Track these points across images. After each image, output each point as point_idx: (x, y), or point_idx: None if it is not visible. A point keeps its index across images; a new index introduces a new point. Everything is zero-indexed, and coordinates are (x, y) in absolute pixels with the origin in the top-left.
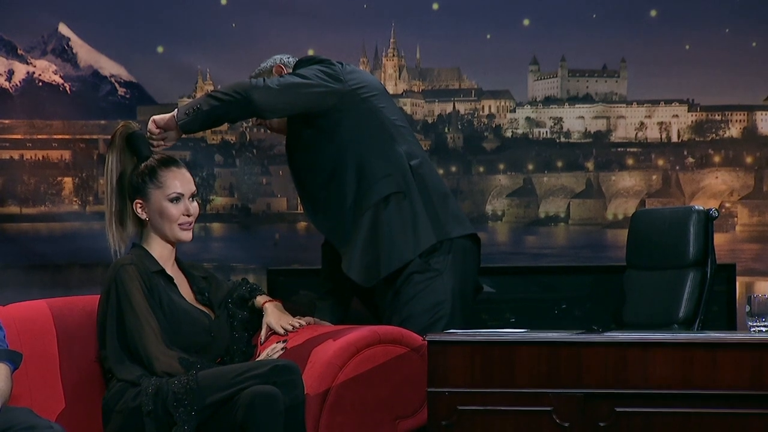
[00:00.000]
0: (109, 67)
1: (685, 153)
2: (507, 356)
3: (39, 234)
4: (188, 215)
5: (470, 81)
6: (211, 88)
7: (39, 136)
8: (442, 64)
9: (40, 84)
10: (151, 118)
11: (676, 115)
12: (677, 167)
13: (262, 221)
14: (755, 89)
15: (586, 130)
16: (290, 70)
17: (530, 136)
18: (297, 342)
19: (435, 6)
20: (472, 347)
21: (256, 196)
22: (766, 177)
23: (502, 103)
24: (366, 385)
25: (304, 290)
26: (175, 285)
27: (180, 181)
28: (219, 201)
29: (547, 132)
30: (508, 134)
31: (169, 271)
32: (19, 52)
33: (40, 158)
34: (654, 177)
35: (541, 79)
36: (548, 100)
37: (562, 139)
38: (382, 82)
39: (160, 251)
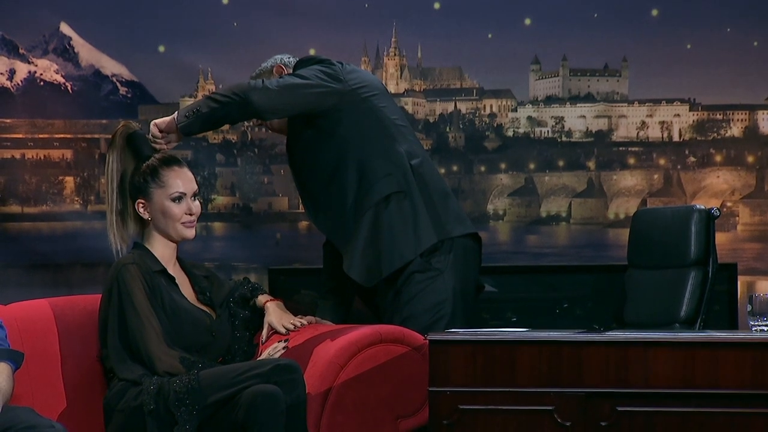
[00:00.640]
0: (110, 66)
1: (687, 152)
2: (508, 355)
3: (40, 233)
4: (190, 214)
5: (472, 80)
6: (213, 87)
7: (40, 136)
8: (443, 63)
9: (42, 83)
10: (152, 122)
11: (678, 115)
12: (679, 166)
13: (264, 220)
14: (757, 88)
15: (587, 129)
16: (290, 70)
17: (532, 136)
18: (298, 341)
19: (436, 5)
20: (474, 346)
21: (257, 195)
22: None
23: (504, 103)
24: (367, 384)
25: (305, 289)
26: (176, 285)
27: (182, 180)
28: (220, 200)
29: (548, 131)
30: (510, 133)
31: (170, 271)
32: (21, 51)
33: (42, 157)
34: (655, 176)
35: (542, 78)
36: (550, 100)
37: (564, 139)
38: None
39: (162, 251)
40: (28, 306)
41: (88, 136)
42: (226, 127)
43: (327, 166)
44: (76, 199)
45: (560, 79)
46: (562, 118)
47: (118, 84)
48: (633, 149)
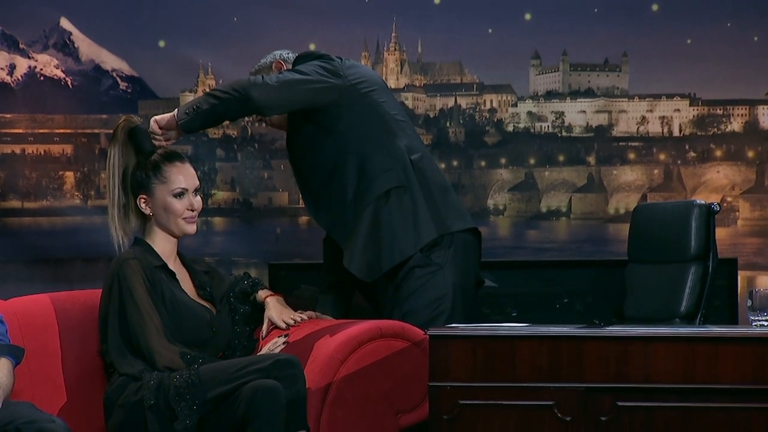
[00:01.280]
0: (110, 61)
1: (687, 147)
2: (508, 350)
3: (41, 228)
4: (192, 210)
5: (472, 75)
6: (213, 82)
7: (40, 131)
8: (443, 58)
9: (42, 78)
10: (152, 119)
11: (678, 110)
12: (679, 161)
13: (264, 215)
14: (757, 83)
15: (587, 124)
16: (290, 66)
17: (532, 131)
18: (298, 336)
19: (436, 0)
20: (474, 341)
21: (257, 190)
22: None
23: (504, 98)
24: (367, 379)
25: (305, 284)
26: (177, 280)
27: (184, 176)
28: (221, 195)
29: (548, 126)
30: (510, 128)
31: (171, 266)
32: (21, 46)
33: (42, 152)
34: (655, 171)
35: (542, 73)
36: (550, 95)
37: (564, 134)
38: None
39: (163, 246)
40: (28, 301)
41: (88, 131)
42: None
43: (327, 162)
44: (76, 194)
45: (560, 74)
46: (563, 113)
47: (118, 79)
48: (633, 144)
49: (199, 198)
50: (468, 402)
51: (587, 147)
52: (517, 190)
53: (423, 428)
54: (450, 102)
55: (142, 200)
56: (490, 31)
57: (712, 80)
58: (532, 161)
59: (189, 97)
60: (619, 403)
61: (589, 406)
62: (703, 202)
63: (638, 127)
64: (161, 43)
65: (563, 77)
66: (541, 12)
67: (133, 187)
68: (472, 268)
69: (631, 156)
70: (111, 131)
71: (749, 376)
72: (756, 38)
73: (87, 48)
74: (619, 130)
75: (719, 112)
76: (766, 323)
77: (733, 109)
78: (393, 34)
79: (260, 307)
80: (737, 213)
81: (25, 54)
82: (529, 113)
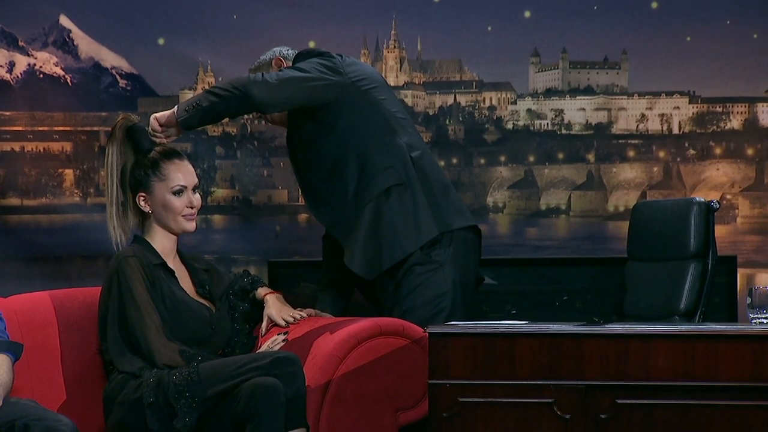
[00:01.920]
0: (110, 59)
1: (686, 145)
2: (508, 348)
3: (40, 226)
4: (191, 207)
5: (471, 73)
6: (212, 80)
7: (40, 128)
8: (443, 55)
9: (41, 76)
10: (152, 116)
11: (677, 107)
12: (678, 159)
13: (263, 213)
14: (756, 81)
15: (587, 121)
16: (290, 63)
17: (531, 128)
18: (298, 334)
19: None
20: (473, 339)
21: (257, 187)
22: (767, 169)
23: (503, 95)
24: (367, 376)
25: (305, 282)
26: (176, 278)
27: (183, 173)
28: (220, 193)
29: (548, 124)
30: (509, 126)
31: (170, 264)
32: (20, 43)
33: (41, 150)
34: (655, 169)
35: (542, 70)
36: (549, 92)
37: (563, 131)
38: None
39: (162, 244)
40: (27, 298)
41: (88, 128)
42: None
43: (327, 159)
44: (76, 191)
45: (560, 71)
46: (562, 110)
47: (118, 76)
48: (633, 142)
49: (198, 195)
50: (467, 399)
51: (587, 144)
52: (516, 187)
53: (422, 426)
54: (449, 99)
55: (141, 198)
56: (489, 28)
57: (712, 78)
58: (531, 159)
59: (188, 95)
60: (619, 401)
61: (588, 403)
62: (702, 199)
63: (638, 125)
64: (161, 41)
65: (563, 75)
66: (540, 9)
67: (132, 185)
68: (472, 266)
69: (631, 153)
70: (110, 129)
71: (748, 374)
72: (755, 35)
73: (86, 46)
74: (619, 127)
75: (719, 109)
76: (765, 321)
77: (732, 106)
78: (392, 32)
79: (260, 305)
80: (737, 210)
81: (24, 51)
82: (529, 111)
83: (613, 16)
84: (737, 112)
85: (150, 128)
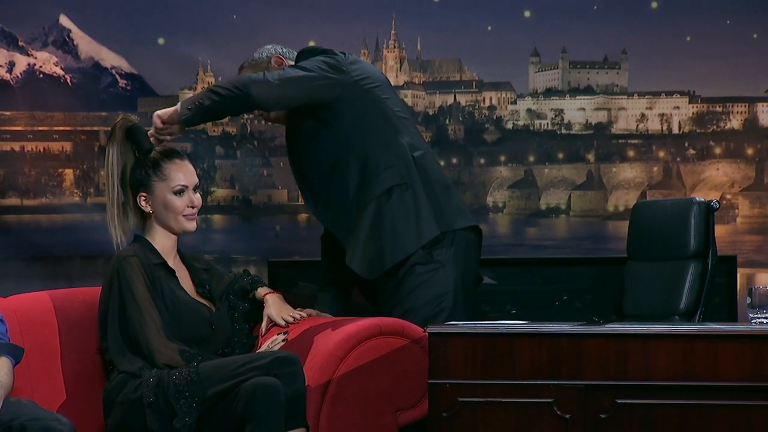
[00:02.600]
0: (110, 58)
1: (686, 144)
2: (508, 348)
3: (40, 226)
4: (192, 207)
5: (471, 73)
6: (212, 79)
7: (40, 128)
8: (443, 55)
9: (41, 76)
10: (155, 114)
11: (677, 107)
12: (678, 159)
13: (263, 213)
14: (756, 81)
15: (587, 121)
16: (291, 62)
17: (531, 128)
18: (298, 333)
19: None
20: (473, 339)
21: (257, 187)
22: (767, 168)
23: (503, 95)
24: (367, 376)
25: (304, 282)
26: (176, 277)
27: (183, 173)
28: (220, 192)
29: (548, 124)
30: (509, 126)
31: (171, 263)
32: (20, 43)
33: (41, 150)
34: (655, 168)
35: (542, 70)
36: (549, 92)
37: (563, 131)
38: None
39: (163, 243)
40: (27, 298)
41: (88, 128)
42: (225, 119)
43: (328, 158)
44: (76, 191)
45: (560, 71)
46: (562, 110)
47: (118, 76)
48: (632, 141)
49: (198, 195)
50: (467, 399)
51: (587, 144)
52: (516, 187)
53: (422, 426)
54: (449, 99)
55: (142, 198)
56: (489, 28)
57: (712, 77)
58: (531, 159)
59: (188, 95)
60: (619, 401)
61: (588, 403)
62: (702, 199)
63: (638, 125)
64: (160, 41)
65: (563, 75)
66: (540, 9)
67: (132, 186)
68: (473, 266)
69: (631, 153)
70: (110, 129)
71: (748, 374)
72: (756, 35)
73: (86, 45)
74: (619, 127)
75: (719, 109)
76: (765, 320)
77: (732, 106)
78: (392, 32)
79: (259, 305)
80: (736, 210)
81: (24, 51)
82: (529, 111)
83: (613, 15)
84: (737, 112)
85: (152, 126)
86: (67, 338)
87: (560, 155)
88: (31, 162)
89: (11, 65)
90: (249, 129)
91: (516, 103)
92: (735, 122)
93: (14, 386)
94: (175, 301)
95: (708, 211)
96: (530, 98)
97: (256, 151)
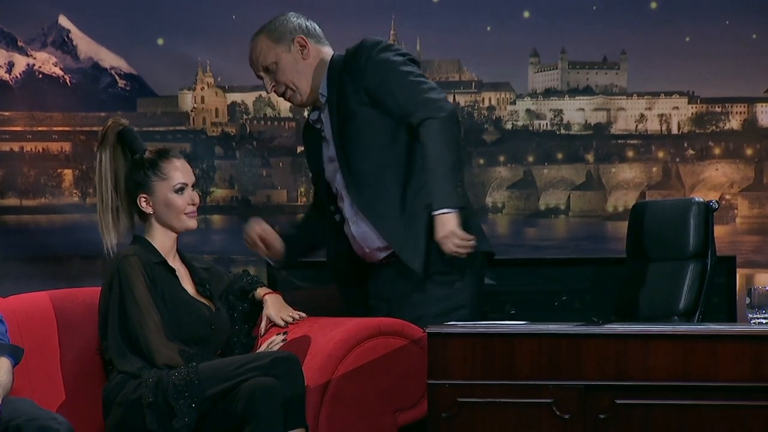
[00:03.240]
0: (109, 59)
1: (686, 145)
2: (507, 348)
3: (39, 226)
4: (193, 204)
5: (470, 73)
6: (211, 80)
7: (39, 128)
8: (442, 56)
9: (40, 76)
10: (450, 240)
11: (677, 107)
12: (677, 159)
13: (262, 213)
14: (756, 81)
15: (586, 122)
16: (313, 41)
17: (530, 128)
18: (297, 334)
19: None
20: (473, 339)
21: (256, 188)
22: (766, 169)
23: (503, 95)
24: (366, 377)
25: (303, 282)
26: (176, 277)
27: (182, 171)
28: (219, 193)
29: (547, 124)
30: (509, 126)
31: (171, 263)
32: (19, 44)
33: (40, 150)
34: (654, 169)
35: (541, 71)
36: (548, 92)
37: (563, 131)
38: None
39: (163, 243)
40: (27, 299)
41: (87, 128)
42: (224, 119)
43: (389, 149)
44: (75, 191)
45: (559, 71)
46: (561, 110)
47: (117, 77)
48: (632, 142)
49: (196, 192)
50: (466, 400)
51: (586, 145)
52: (515, 187)
53: (421, 426)
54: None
55: (143, 200)
56: (488, 29)
57: (711, 78)
58: (530, 159)
59: (187, 95)
60: (618, 401)
61: (588, 403)
62: (701, 199)
63: (637, 125)
64: (160, 41)
65: (562, 75)
66: (539, 10)
67: (130, 188)
68: (482, 287)
69: (630, 154)
70: (101, 134)
71: (748, 374)
72: (755, 36)
73: (85, 46)
74: (618, 127)
75: (718, 109)
76: (764, 321)
77: (731, 106)
78: (392, 32)
79: (259, 305)
80: (736, 210)
81: (23, 52)
82: (528, 111)
83: (612, 16)
84: (736, 113)
85: (458, 250)
86: (66, 338)
87: (559, 155)
88: (30, 162)
89: (10, 65)
90: (248, 129)
91: (515, 104)
92: (734, 122)
93: (14, 386)
94: (175, 300)
95: (707, 212)
96: (529, 99)
97: (255, 151)
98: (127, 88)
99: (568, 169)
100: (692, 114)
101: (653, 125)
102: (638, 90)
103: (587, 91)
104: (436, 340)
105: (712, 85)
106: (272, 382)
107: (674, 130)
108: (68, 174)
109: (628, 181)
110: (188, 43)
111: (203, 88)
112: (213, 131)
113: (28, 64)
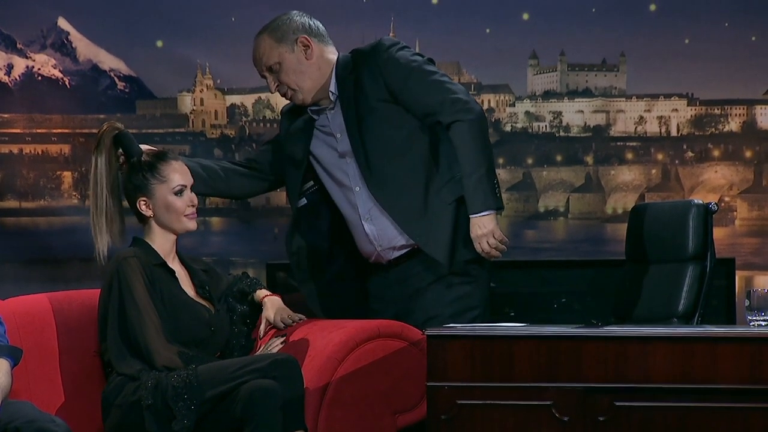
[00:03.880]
0: (108, 61)
1: (685, 147)
2: (506, 350)
3: (38, 228)
4: (193, 205)
5: (470, 75)
6: (211, 82)
7: (38, 131)
8: (441, 58)
9: (40, 78)
10: (487, 240)
11: (676, 109)
12: (676, 161)
13: (262, 215)
14: (755, 83)
15: (585, 124)
16: (316, 40)
17: (529, 131)
18: (296, 336)
19: (434, 0)
20: (472, 341)
21: None
22: (766, 171)
23: (502, 98)
24: (365, 379)
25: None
26: (176, 278)
27: (180, 173)
28: None
29: (546, 126)
30: (508, 128)
31: (170, 265)
32: (19, 46)
33: (40, 152)
34: (653, 171)
35: (540, 73)
36: (547, 95)
37: (562, 134)
38: None
39: (162, 245)
40: (26, 301)
41: (86, 131)
42: (224, 121)
43: (405, 140)
44: (74, 193)
45: (558, 74)
46: (560, 113)
47: (116, 79)
48: (631, 144)
49: (194, 194)
50: (466, 402)
51: (585, 147)
52: (514, 189)
53: (421, 428)
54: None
55: (143, 203)
56: (487, 31)
57: (710, 80)
58: (529, 161)
59: (187, 98)
60: (617, 403)
61: (587, 406)
62: (700, 201)
63: (636, 127)
64: (159, 43)
65: (561, 77)
66: (538, 12)
67: (129, 192)
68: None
69: (629, 156)
70: (97, 138)
71: (747, 376)
72: (754, 38)
73: (85, 48)
74: (617, 130)
75: (717, 112)
76: (763, 323)
77: (730, 109)
78: (391, 34)
79: (258, 307)
80: (735, 213)
81: (22, 54)
82: (527, 113)
83: (611, 18)
84: (735, 115)
85: (492, 250)
86: (65, 340)
87: (559, 158)
88: (29, 164)
89: (10, 68)
90: (247, 131)
91: (514, 106)
92: (733, 125)
93: (12, 388)
94: (175, 301)
95: (706, 214)
96: (528, 101)
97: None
98: (127, 91)
99: (568, 171)
100: (691, 116)
101: (652, 127)
102: (637, 92)
103: (586, 93)
104: (435, 342)
105: (711, 87)
106: (271, 385)
107: (673, 132)
108: (67, 176)
109: (627, 183)
110: (187, 46)
111: (202, 90)
112: (212, 133)
113: (27, 67)
